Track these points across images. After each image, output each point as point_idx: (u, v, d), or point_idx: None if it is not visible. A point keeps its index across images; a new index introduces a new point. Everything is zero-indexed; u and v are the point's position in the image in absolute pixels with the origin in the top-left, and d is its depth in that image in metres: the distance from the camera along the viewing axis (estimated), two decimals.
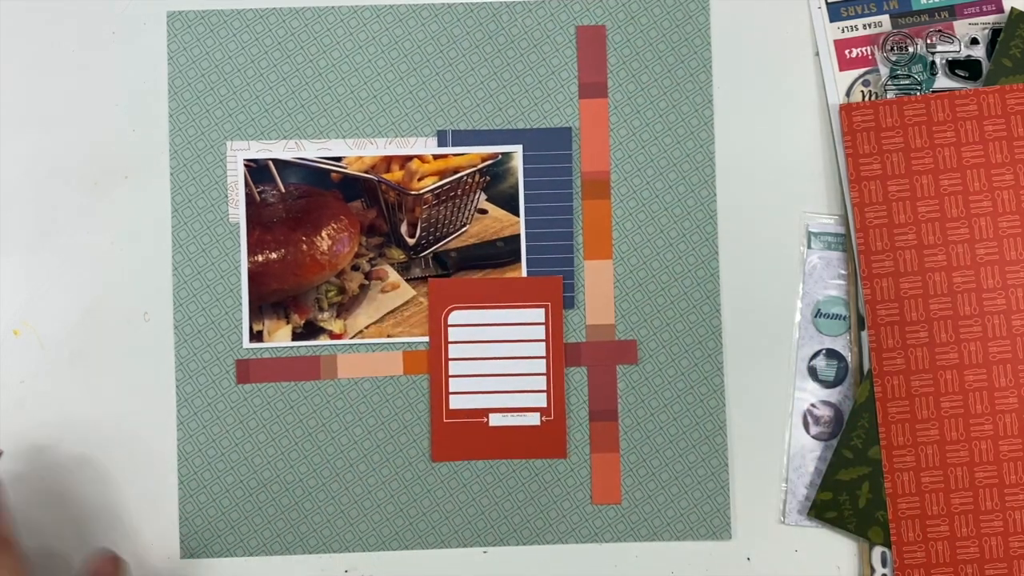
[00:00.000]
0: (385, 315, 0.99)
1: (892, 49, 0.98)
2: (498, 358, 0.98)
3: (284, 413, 0.98)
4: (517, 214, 0.99)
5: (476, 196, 0.99)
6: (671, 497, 0.98)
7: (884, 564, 0.96)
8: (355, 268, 0.99)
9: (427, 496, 0.98)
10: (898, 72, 0.98)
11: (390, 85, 1.00)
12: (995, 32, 0.98)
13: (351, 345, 0.99)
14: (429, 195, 0.99)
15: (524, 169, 0.99)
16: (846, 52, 0.99)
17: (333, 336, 0.99)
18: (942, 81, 0.98)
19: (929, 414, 0.94)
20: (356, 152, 0.99)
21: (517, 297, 0.98)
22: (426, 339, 0.99)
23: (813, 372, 0.98)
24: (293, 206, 0.99)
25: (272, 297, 0.99)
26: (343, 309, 0.99)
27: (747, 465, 0.98)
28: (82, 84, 1.00)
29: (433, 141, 1.00)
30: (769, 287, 0.99)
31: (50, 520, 0.98)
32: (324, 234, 0.99)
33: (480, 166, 0.99)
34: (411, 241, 0.99)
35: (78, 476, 0.98)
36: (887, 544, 0.95)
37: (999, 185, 0.95)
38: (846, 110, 0.96)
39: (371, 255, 0.99)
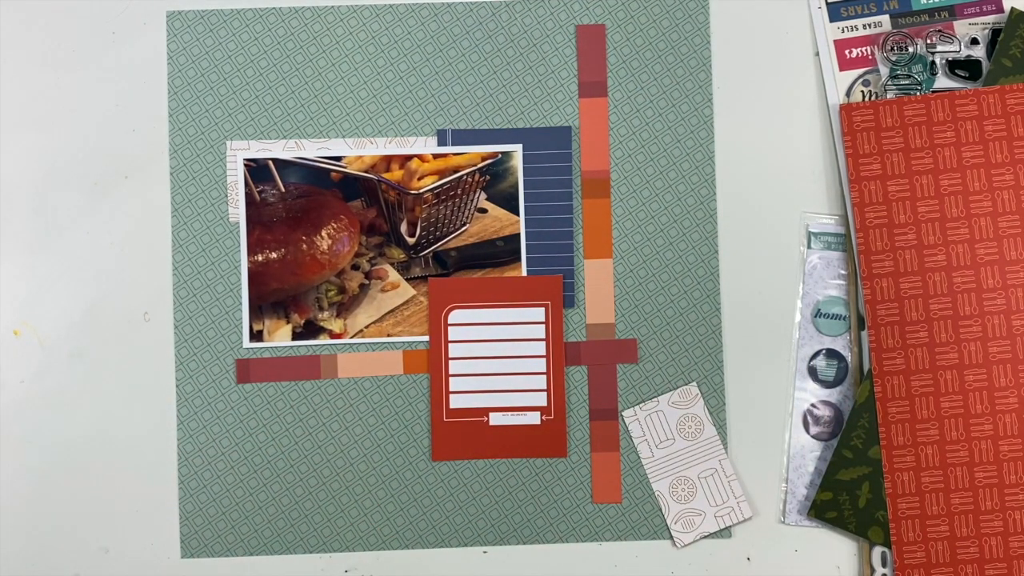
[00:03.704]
0: (385, 314, 0.99)
1: (892, 49, 0.98)
2: (498, 357, 0.98)
3: (284, 413, 0.98)
4: (517, 213, 0.99)
5: (476, 195, 0.99)
6: None
7: (884, 564, 0.96)
8: (355, 267, 0.99)
9: (427, 495, 0.98)
10: (898, 72, 0.98)
11: (390, 85, 1.00)
12: (995, 32, 0.98)
13: (351, 345, 0.99)
14: (429, 194, 0.99)
15: (524, 168, 0.99)
16: (846, 52, 0.99)
17: (333, 336, 0.99)
18: (942, 81, 0.98)
19: (929, 414, 0.94)
20: (356, 152, 0.99)
21: (517, 296, 0.99)
22: (426, 338, 0.99)
23: (813, 372, 0.98)
24: (293, 206, 0.99)
25: (272, 297, 0.99)
26: (343, 308, 0.99)
27: (747, 465, 0.98)
28: (82, 84, 1.00)
29: (433, 140, 1.00)
30: (769, 287, 0.99)
31: (50, 520, 0.98)
32: (324, 233, 0.99)
33: (480, 165, 0.99)
34: (411, 240, 0.99)
35: (78, 476, 0.98)
36: (887, 544, 0.95)
37: (999, 185, 0.95)
38: (846, 110, 0.96)
39: (371, 254, 0.99)
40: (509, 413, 0.98)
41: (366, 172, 0.99)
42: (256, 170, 0.99)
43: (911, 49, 0.98)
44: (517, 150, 0.99)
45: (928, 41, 0.98)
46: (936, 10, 0.99)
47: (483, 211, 0.99)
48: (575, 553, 0.98)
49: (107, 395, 0.98)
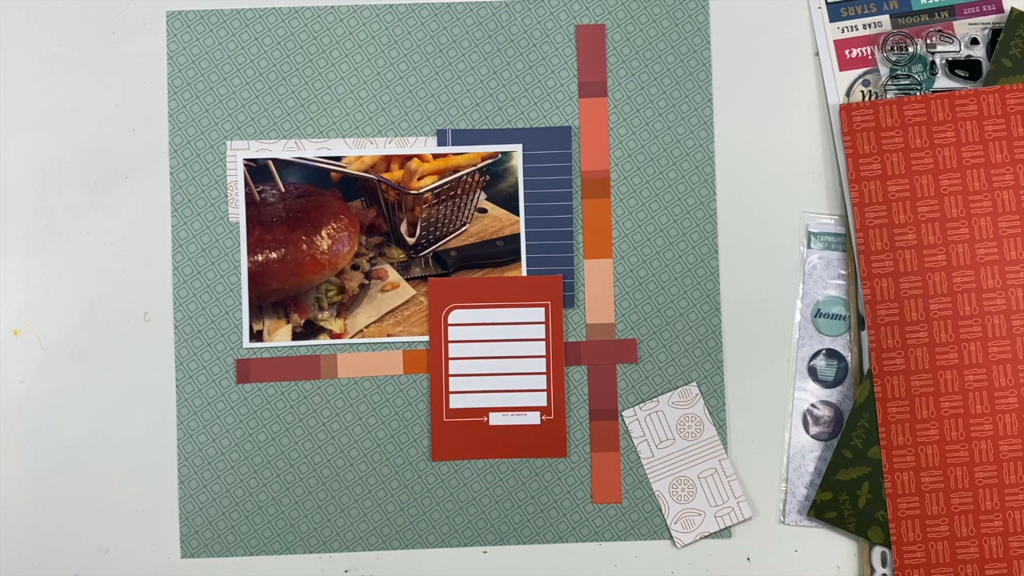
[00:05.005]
0: (385, 314, 0.99)
1: (892, 49, 0.98)
2: (498, 357, 0.98)
3: (284, 413, 0.98)
4: (517, 213, 0.99)
5: (476, 195, 0.99)
6: None
7: (884, 564, 0.96)
8: (355, 267, 0.99)
9: (427, 495, 0.98)
10: (898, 72, 0.98)
11: (390, 85, 1.00)
12: (995, 32, 0.98)
13: (351, 344, 0.99)
14: (429, 194, 0.99)
15: (524, 168, 0.99)
16: (846, 52, 0.99)
17: (333, 336, 0.99)
18: (942, 81, 0.98)
19: (929, 414, 0.94)
20: (356, 152, 0.99)
21: (517, 296, 0.98)
22: (426, 338, 0.99)
23: (813, 372, 0.98)
24: (293, 205, 0.99)
25: (272, 297, 0.99)
26: (343, 308, 0.99)
27: (747, 465, 0.98)
28: (82, 84, 1.00)
29: (433, 140, 1.00)
30: (769, 287, 0.99)
31: (50, 520, 0.98)
32: (324, 233, 0.99)
33: (480, 165, 0.99)
34: (411, 240, 0.99)
35: (78, 476, 0.98)
36: (887, 544, 0.95)
37: (999, 185, 0.95)
38: (846, 110, 0.96)
39: (371, 254, 0.99)
40: (509, 413, 0.98)
41: (366, 172, 0.99)
42: (256, 170, 0.99)
43: (911, 49, 0.98)
44: (517, 150, 0.99)
45: (928, 41, 0.98)
46: (936, 10, 0.99)
47: (483, 211, 0.99)
48: (575, 553, 0.98)
49: (107, 395, 0.98)
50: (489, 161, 0.99)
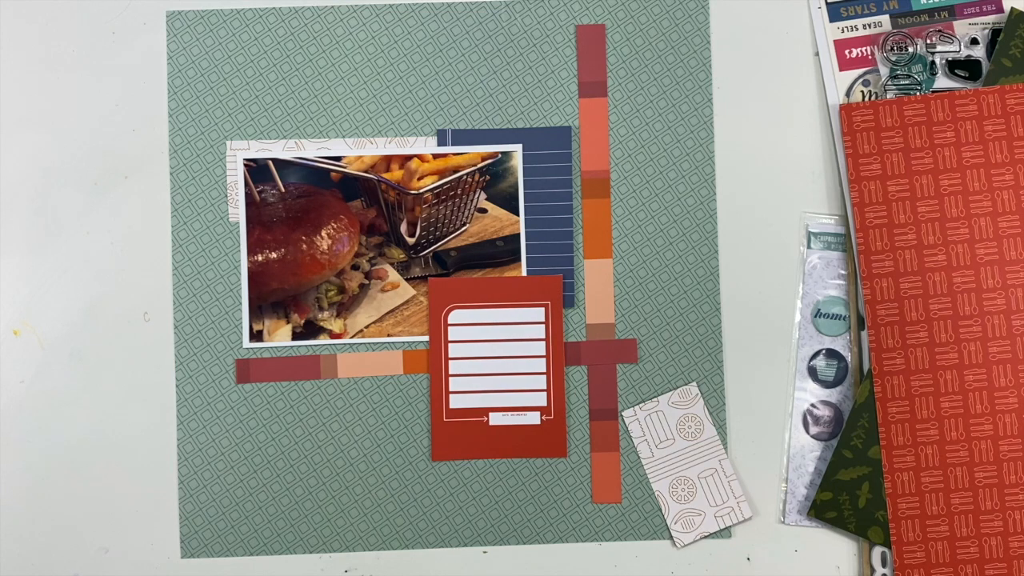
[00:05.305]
0: (385, 314, 0.99)
1: (892, 49, 0.98)
2: (498, 357, 0.98)
3: (284, 413, 0.98)
4: (517, 213, 0.99)
5: (476, 195, 0.99)
6: None
7: (884, 564, 0.96)
8: (355, 267, 0.99)
9: (427, 495, 0.98)
10: (898, 72, 0.98)
11: (390, 85, 1.00)
12: (995, 32, 0.98)
13: (351, 344, 0.99)
14: (429, 194, 0.99)
15: (524, 168, 0.99)
16: (846, 52, 0.99)
17: (333, 336, 0.99)
18: (942, 81, 0.98)
19: (929, 414, 0.94)
20: (356, 152, 0.99)
21: (517, 296, 0.98)
22: (426, 338, 0.99)
23: (813, 372, 0.98)
24: (293, 206, 0.99)
25: (272, 297, 0.99)
26: (343, 308, 0.99)
27: (747, 465, 0.98)
28: (82, 84, 1.00)
29: (433, 140, 1.00)
30: (769, 287, 0.99)
31: (50, 520, 0.98)
32: (324, 233, 0.99)
33: (480, 165, 0.99)
34: (411, 240, 0.99)
35: (78, 476, 0.98)
36: (887, 544, 0.95)
37: (999, 185, 0.95)
38: (846, 110, 0.96)
39: (371, 254, 0.99)
40: (509, 413, 0.98)
41: (366, 172, 0.99)
42: (256, 170, 0.99)
43: (911, 49, 0.98)
44: (517, 150, 0.99)
45: (928, 41, 0.98)
46: (936, 10, 0.99)
47: (483, 211, 0.99)
48: (575, 553, 0.98)
49: (107, 395, 0.98)
50: (489, 161, 0.99)
